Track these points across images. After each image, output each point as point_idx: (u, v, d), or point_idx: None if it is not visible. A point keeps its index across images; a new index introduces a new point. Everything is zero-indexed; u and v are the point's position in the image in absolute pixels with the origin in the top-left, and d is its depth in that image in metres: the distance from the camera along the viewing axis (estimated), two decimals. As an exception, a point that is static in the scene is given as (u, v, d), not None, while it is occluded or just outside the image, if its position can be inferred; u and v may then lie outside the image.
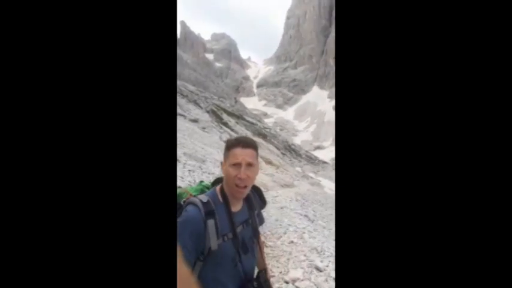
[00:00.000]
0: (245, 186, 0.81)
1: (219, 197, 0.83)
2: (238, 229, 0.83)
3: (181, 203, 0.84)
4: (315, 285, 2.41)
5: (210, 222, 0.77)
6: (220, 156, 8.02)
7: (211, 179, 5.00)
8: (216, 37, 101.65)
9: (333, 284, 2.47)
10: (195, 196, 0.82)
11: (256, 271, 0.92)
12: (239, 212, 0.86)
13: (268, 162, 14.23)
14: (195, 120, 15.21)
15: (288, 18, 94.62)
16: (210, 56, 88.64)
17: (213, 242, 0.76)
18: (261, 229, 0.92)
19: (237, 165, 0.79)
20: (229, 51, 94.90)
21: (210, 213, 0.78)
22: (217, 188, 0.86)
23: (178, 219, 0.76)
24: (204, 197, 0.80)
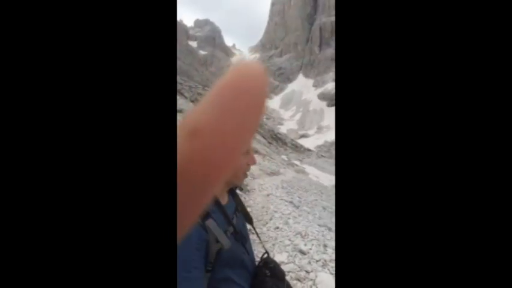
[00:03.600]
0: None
1: None
2: (234, 221, 0.75)
3: None
4: (299, 267, 2.52)
5: (210, 223, 0.65)
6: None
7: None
8: (200, 24, 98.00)
9: (315, 265, 2.59)
10: None
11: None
12: (228, 203, 0.78)
13: (255, 151, 14.32)
14: (179, 111, 14.88)
15: (273, 4, 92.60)
16: (193, 44, 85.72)
17: (224, 240, 0.66)
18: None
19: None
20: (213, 38, 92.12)
21: (203, 215, 0.65)
22: None
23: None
24: None
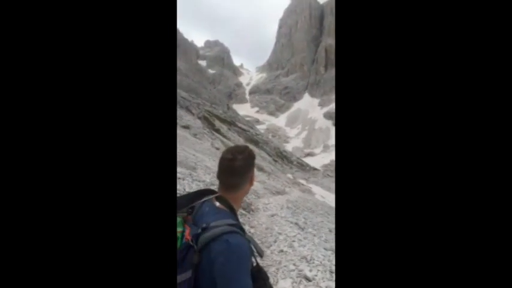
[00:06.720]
0: None
1: (230, 213, 0.76)
2: None
3: (189, 242, 0.67)
4: (304, 295, 2.40)
5: (249, 236, 0.74)
6: (211, 163, 7.95)
7: (202, 186, 4.93)
8: (209, 44, 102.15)
9: (321, 293, 2.46)
10: (209, 226, 0.68)
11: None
12: None
13: (260, 169, 14.22)
14: (186, 127, 15.10)
15: (280, 27, 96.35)
16: (203, 63, 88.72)
17: (260, 250, 0.76)
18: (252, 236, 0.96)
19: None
20: (222, 58, 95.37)
21: (243, 231, 0.72)
22: (219, 206, 0.76)
23: (232, 257, 0.63)
24: (229, 220, 0.71)
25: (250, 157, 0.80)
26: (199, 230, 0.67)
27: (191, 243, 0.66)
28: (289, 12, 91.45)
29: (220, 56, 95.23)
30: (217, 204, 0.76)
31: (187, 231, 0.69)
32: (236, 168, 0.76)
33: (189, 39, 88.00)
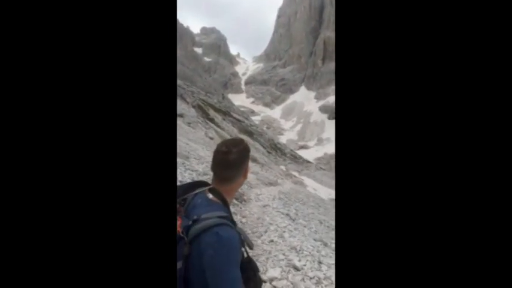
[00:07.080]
0: None
1: (223, 205, 0.76)
2: None
3: (180, 234, 0.67)
4: (292, 284, 2.45)
5: (239, 228, 0.73)
6: (204, 153, 7.91)
7: (195, 176, 4.91)
8: (206, 31, 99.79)
9: (309, 283, 2.52)
10: (200, 218, 0.67)
11: None
12: None
13: (254, 160, 14.27)
14: (180, 115, 14.90)
15: (278, 16, 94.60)
16: (198, 50, 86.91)
17: (250, 243, 0.77)
18: (242, 228, 0.94)
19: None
20: (218, 46, 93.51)
21: (234, 223, 0.72)
22: (211, 198, 0.76)
23: (222, 249, 0.63)
24: (221, 213, 0.70)
25: (245, 150, 0.80)
26: (190, 222, 0.67)
27: (182, 234, 0.66)
28: (289, 1, 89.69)
29: (216, 43, 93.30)
30: (210, 196, 0.76)
31: (178, 223, 0.69)
32: (230, 161, 0.76)
33: (185, 25, 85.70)
